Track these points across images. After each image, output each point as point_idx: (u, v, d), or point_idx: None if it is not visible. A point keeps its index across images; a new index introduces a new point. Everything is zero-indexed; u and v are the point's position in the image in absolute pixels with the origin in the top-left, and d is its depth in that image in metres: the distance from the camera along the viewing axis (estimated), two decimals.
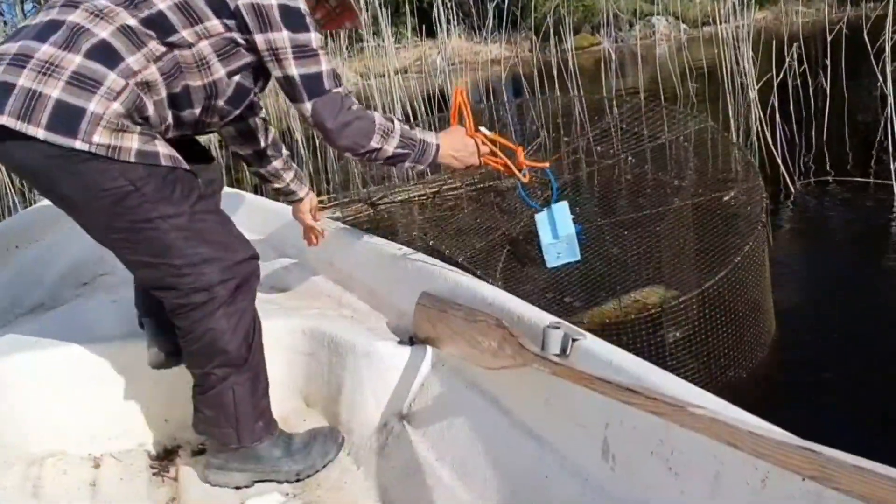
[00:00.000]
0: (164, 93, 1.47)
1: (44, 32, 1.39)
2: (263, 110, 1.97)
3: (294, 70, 1.51)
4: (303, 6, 1.51)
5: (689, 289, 2.08)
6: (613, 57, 8.07)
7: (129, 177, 1.43)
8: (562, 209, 1.82)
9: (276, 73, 1.54)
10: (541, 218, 1.85)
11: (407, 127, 1.68)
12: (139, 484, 1.72)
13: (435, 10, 8.43)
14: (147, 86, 1.44)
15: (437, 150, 1.71)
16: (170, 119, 1.53)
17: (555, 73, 7.91)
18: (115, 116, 1.38)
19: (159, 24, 1.43)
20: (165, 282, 1.53)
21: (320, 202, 2.32)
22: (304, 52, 1.51)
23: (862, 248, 3.45)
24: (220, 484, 1.68)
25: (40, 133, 1.34)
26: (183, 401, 1.70)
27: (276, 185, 2.03)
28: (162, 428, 1.87)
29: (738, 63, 5.79)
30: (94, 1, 1.42)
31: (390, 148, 1.64)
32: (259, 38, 1.49)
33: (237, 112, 1.66)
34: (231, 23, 1.48)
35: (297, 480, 1.70)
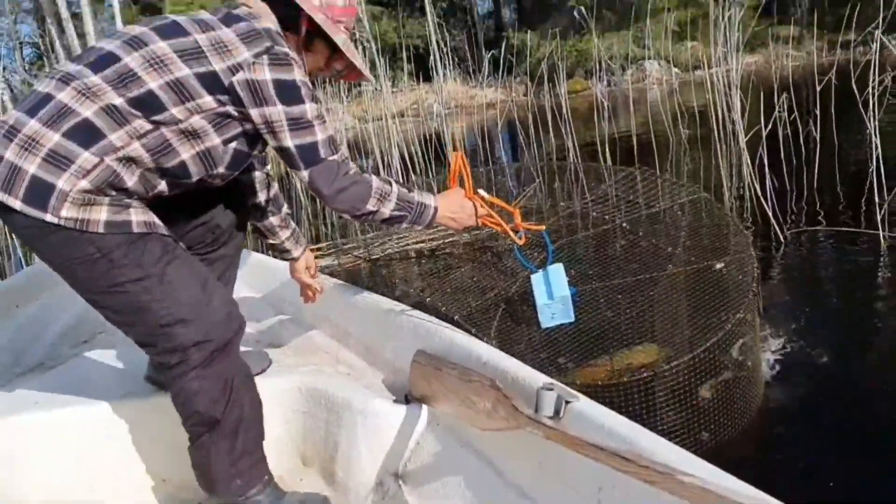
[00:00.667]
0: (151, 165, 1.52)
1: (36, 107, 1.46)
2: (269, 165, 2.01)
3: (289, 142, 1.56)
4: (298, 77, 1.54)
5: (680, 352, 2.11)
6: (605, 103, 8.20)
7: (98, 245, 1.48)
8: (557, 271, 1.85)
9: (272, 143, 1.59)
10: (536, 279, 1.87)
11: (405, 190, 1.73)
12: None
13: (431, 56, 8.58)
14: (131, 160, 1.49)
15: (435, 211, 1.77)
16: (162, 186, 1.57)
17: (549, 117, 8.02)
18: (81, 192, 1.44)
19: (147, 104, 1.47)
20: (144, 339, 1.60)
21: (318, 249, 2.36)
22: (298, 125, 1.55)
23: (850, 298, 3.46)
24: None
25: (17, 205, 1.43)
26: (181, 461, 1.70)
27: (272, 241, 2.08)
28: (160, 488, 1.87)
29: (729, 110, 5.87)
30: (85, 78, 1.46)
31: (387, 211, 1.69)
32: (254, 113, 1.53)
33: (236, 174, 1.71)
34: (224, 98, 1.52)
35: None
